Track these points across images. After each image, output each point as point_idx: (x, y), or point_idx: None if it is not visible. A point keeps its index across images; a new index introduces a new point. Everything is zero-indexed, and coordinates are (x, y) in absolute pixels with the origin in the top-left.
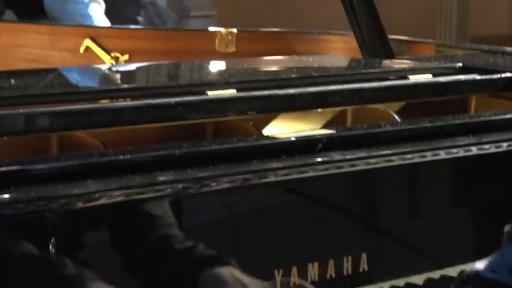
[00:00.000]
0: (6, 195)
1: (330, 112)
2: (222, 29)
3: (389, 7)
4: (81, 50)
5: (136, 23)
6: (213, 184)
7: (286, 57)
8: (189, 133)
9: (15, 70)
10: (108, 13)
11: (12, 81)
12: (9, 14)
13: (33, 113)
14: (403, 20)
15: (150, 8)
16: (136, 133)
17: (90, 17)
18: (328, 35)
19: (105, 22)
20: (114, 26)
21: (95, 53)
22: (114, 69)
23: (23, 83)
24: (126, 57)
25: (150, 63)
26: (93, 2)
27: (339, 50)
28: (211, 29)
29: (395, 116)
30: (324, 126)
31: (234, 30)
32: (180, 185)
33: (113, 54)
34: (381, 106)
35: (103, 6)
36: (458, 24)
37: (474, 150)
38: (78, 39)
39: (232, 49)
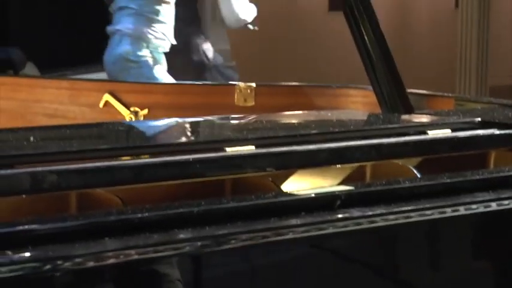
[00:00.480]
0: (25, 254)
1: (349, 167)
2: (241, 83)
3: (409, 57)
4: (101, 104)
5: None
6: (232, 242)
7: (304, 112)
8: (207, 189)
9: (33, 127)
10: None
11: (31, 138)
12: (30, 66)
13: (52, 171)
14: (424, 68)
15: (214, 71)
16: (155, 189)
17: (155, 79)
18: (347, 89)
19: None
20: (133, 81)
21: (114, 107)
22: (132, 125)
23: (41, 140)
24: (145, 111)
25: (169, 119)
26: (157, 64)
27: (358, 104)
28: (230, 83)
29: (415, 171)
30: (343, 181)
31: (253, 84)
32: (199, 243)
33: (132, 109)
34: (399, 161)
35: (165, 65)
36: (478, 74)
37: (494, 206)
38: (98, 94)
39: (251, 103)
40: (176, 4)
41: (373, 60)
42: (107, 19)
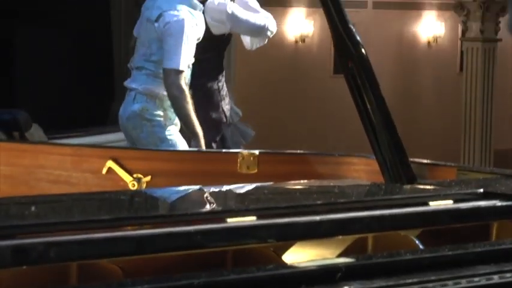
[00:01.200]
0: None
1: (350, 237)
2: (244, 151)
3: (413, 122)
4: (104, 171)
5: (211, 148)
6: None
7: (306, 181)
8: (208, 258)
9: (35, 195)
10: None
11: (33, 208)
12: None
13: (53, 243)
14: (428, 132)
15: (232, 128)
16: (156, 259)
17: (167, 140)
18: (350, 157)
19: (181, 143)
20: (137, 147)
21: (117, 174)
22: (134, 194)
23: (43, 209)
24: (148, 178)
25: (171, 188)
26: (171, 125)
27: (360, 172)
28: (233, 150)
29: (417, 241)
30: (344, 251)
31: (256, 152)
32: None
33: (135, 176)
34: (401, 231)
35: (179, 125)
36: (482, 137)
37: (496, 278)
38: (101, 161)
39: (254, 170)
40: (201, 60)
41: (376, 129)
42: (113, 84)
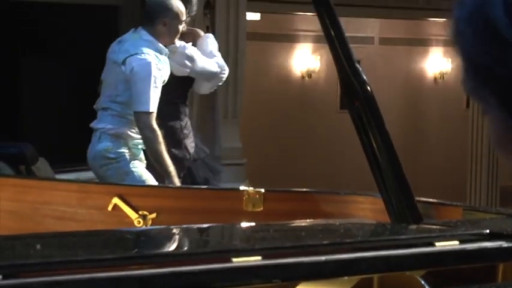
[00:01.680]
0: None
1: (356, 277)
2: (249, 189)
3: (420, 158)
4: (109, 207)
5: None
6: None
7: (312, 221)
8: None
9: (40, 233)
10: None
11: (38, 246)
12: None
13: (55, 282)
14: (435, 168)
15: (197, 166)
16: None
17: (132, 173)
18: (356, 196)
19: (147, 176)
20: (142, 184)
21: (123, 210)
22: (139, 233)
23: (48, 247)
24: (153, 215)
25: (176, 226)
26: (135, 160)
27: (366, 211)
28: (239, 188)
29: (422, 282)
30: None
31: (262, 190)
32: None
33: (140, 213)
34: (407, 271)
35: (144, 161)
36: (488, 173)
37: None
38: (107, 197)
39: (260, 208)
40: (164, 101)
41: (381, 168)
42: None
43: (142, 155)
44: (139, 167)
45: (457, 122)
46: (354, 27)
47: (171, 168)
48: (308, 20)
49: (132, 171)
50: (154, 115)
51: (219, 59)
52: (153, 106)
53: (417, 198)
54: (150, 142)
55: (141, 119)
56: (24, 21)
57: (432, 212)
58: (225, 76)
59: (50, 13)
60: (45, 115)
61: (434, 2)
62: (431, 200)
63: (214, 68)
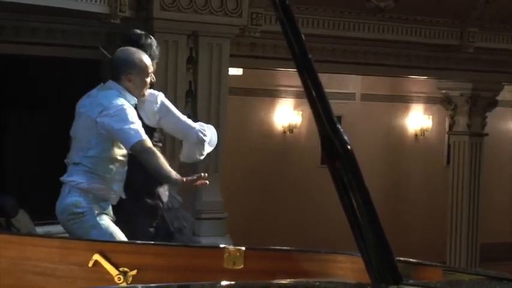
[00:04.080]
0: None
1: None
2: (230, 247)
3: (400, 217)
4: (90, 264)
5: (149, 233)
6: None
7: (292, 280)
8: None
9: None
10: (121, 224)
11: None
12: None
13: None
14: (415, 224)
15: (171, 215)
16: None
17: (99, 225)
18: (336, 255)
19: (114, 228)
20: (123, 241)
21: (103, 267)
22: None
23: None
24: (134, 272)
25: (157, 285)
26: (102, 214)
27: (346, 270)
28: (219, 246)
29: None
30: None
31: (243, 248)
32: None
33: (121, 269)
34: None
35: (112, 217)
36: (469, 231)
37: None
38: (88, 254)
39: (240, 266)
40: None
41: (361, 228)
42: None
43: (110, 210)
44: (106, 220)
45: (438, 179)
46: (336, 83)
47: (172, 173)
48: (290, 75)
49: (99, 224)
50: (147, 140)
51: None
52: (142, 134)
53: (397, 258)
54: (149, 163)
55: (136, 150)
56: (9, 75)
57: (412, 272)
58: (208, 138)
59: (35, 67)
60: (27, 167)
61: (414, 60)
62: (411, 260)
63: (191, 124)
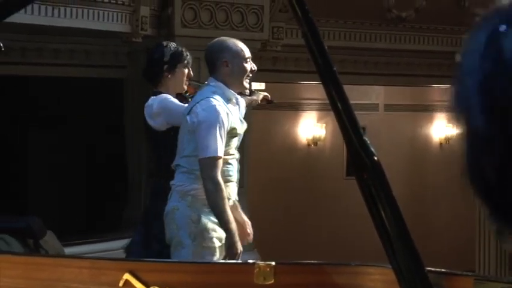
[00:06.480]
0: None
1: None
2: (260, 262)
3: (427, 223)
4: (121, 284)
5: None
6: None
7: None
8: None
9: None
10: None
11: None
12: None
13: None
14: (442, 234)
15: None
16: None
17: (188, 247)
18: (366, 267)
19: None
20: (153, 259)
21: (134, 286)
22: None
23: None
24: None
25: None
26: (198, 233)
27: (376, 282)
28: (249, 261)
29: None
30: None
31: (273, 263)
32: None
33: None
34: None
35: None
36: (498, 247)
37: None
38: (118, 273)
39: (271, 281)
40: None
41: (391, 239)
42: (126, 189)
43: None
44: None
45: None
46: (358, 94)
47: (232, 225)
48: (312, 88)
49: (188, 245)
50: (219, 164)
51: None
52: (218, 151)
53: (428, 268)
54: (211, 195)
55: (204, 167)
56: (33, 95)
57: (443, 282)
58: None
59: (58, 87)
60: (53, 188)
61: (435, 69)
62: (441, 270)
63: None
